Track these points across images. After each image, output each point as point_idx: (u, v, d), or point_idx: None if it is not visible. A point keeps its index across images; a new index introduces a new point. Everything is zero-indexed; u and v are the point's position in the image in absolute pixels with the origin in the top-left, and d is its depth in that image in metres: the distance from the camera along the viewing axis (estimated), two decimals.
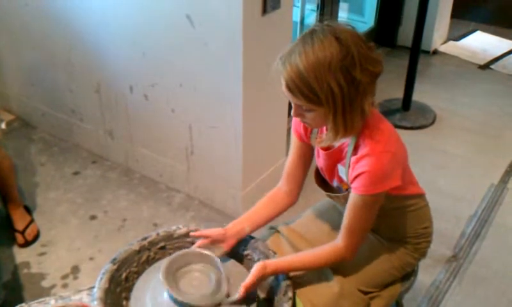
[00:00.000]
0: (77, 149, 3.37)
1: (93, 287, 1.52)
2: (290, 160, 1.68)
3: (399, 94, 3.86)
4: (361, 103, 1.34)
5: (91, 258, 2.55)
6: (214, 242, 1.60)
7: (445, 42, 5.06)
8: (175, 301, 1.43)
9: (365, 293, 1.61)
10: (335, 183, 1.59)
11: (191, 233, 1.63)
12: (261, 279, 1.46)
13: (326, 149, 1.54)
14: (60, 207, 2.89)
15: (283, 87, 1.35)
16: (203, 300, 1.42)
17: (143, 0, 2.59)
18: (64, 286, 2.40)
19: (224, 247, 1.61)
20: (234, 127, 2.57)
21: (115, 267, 1.57)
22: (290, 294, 1.46)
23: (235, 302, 1.45)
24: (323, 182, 1.66)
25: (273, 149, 2.88)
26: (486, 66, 4.63)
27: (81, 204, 2.91)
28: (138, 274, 1.61)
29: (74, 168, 3.20)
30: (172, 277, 1.49)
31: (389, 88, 3.97)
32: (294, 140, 1.65)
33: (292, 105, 1.40)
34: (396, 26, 4.86)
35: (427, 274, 2.43)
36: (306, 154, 1.65)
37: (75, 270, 2.49)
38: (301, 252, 1.58)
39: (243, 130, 2.57)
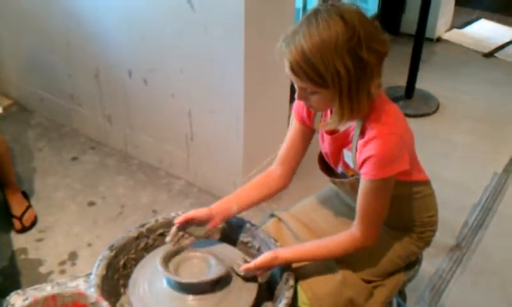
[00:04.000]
0: (75, 134, 3.33)
1: (90, 274, 1.49)
2: (287, 143, 1.63)
3: (402, 81, 3.81)
4: (367, 85, 1.30)
5: (89, 245, 2.51)
6: (200, 223, 1.54)
7: (449, 30, 5.01)
8: (174, 287, 1.39)
9: (368, 282, 1.57)
10: (339, 169, 1.55)
11: (175, 221, 1.53)
12: (268, 267, 1.42)
13: (331, 133, 1.49)
14: (58, 193, 2.85)
15: (287, 70, 1.31)
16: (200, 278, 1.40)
17: None
18: (62, 272, 2.37)
19: (208, 226, 1.55)
20: (235, 113, 2.53)
21: (113, 253, 1.53)
22: (291, 282, 1.42)
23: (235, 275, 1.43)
24: (327, 168, 1.62)
25: (274, 135, 2.82)
26: (490, 55, 4.58)
27: (79, 190, 2.87)
28: (136, 261, 1.58)
29: (72, 154, 3.16)
30: (170, 264, 1.46)
31: (392, 76, 3.92)
32: (294, 123, 1.60)
33: (296, 87, 1.36)
34: (399, 13, 4.81)
35: (430, 263, 2.40)
36: (306, 138, 1.60)
37: (73, 256, 2.45)
38: (313, 241, 1.53)
39: (244, 116, 2.52)
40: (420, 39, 3.66)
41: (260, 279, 1.50)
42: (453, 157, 3.23)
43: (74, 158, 3.12)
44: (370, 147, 1.34)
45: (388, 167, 1.35)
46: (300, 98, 1.37)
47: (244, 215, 1.65)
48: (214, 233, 1.65)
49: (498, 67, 4.41)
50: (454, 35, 4.93)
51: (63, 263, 2.42)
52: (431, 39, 4.69)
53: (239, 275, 1.45)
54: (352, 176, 1.48)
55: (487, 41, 4.82)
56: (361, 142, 1.38)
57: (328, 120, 1.44)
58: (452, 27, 5.06)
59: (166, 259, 1.46)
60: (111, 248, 1.54)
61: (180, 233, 1.53)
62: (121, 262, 1.56)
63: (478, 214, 2.76)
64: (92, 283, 1.43)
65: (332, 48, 1.23)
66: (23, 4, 3.12)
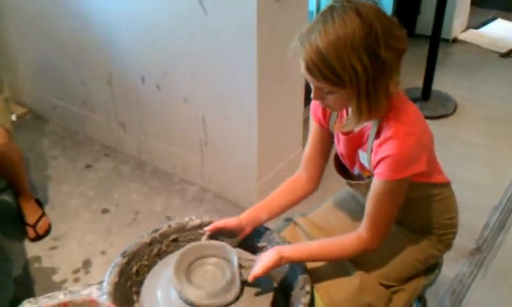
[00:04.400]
0: (89, 141, 3.32)
1: (102, 281, 1.46)
2: (309, 146, 1.59)
3: (419, 83, 3.76)
4: (386, 83, 1.25)
5: (103, 252, 2.49)
6: (229, 233, 1.52)
7: (465, 30, 4.94)
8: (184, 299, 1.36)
9: (387, 287, 1.52)
10: (355, 171, 1.51)
11: (205, 229, 1.53)
12: (273, 268, 1.38)
13: (346, 133, 1.45)
14: (72, 201, 2.84)
15: (303, 69, 1.27)
16: (212, 299, 1.34)
17: None
18: (76, 280, 2.35)
19: (240, 236, 1.53)
20: (249, 117, 2.50)
21: (125, 260, 1.50)
22: (307, 288, 1.38)
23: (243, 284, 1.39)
24: (343, 169, 1.58)
25: (289, 140, 2.80)
26: (507, 55, 4.50)
27: (93, 198, 2.85)
28: (149, 267, 1.55)
29: (86, 161, 3.15)
30: (184, 270, 1.42)
31: (408, 77, 3.86)
32: (313, 125, 1.56)
33: (312, 87, 1.32)
34: (415, 14, 4.75)
35: (449, 267, 2.33)
36: (326, 140, 1.56)
37: (87, 264, 2.43)
38: (320, 240, 1.50)
39: (258, 120, 2.49)
40: (436, 40, 3.61)
41: (275, 284, 1.46)
42: (472, 158, 3.17)
43: (88, 166, 3.11)
44: (387, 147, 1.30)
45: (404, 168, 1.31)
46: (316, 98, 1.33)
47: None
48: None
49: None
50: (470, 35, 4.86)
51: (77, 271, 2.40)
52: (446, 40, 4.64)
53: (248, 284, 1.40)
54: (368, 177, 1.44)
55: (504, 41, 4.74)
56: (376, 142, 1.33)
57: (344, 121, 1.40)
58: (468, 27, 4.99)
59: (181, 266, 1.42)
60: (123, 254, 1.51)
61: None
62: (134, 269, 1.53)
63: (499, 216, 2.70)
64: (104, 291, 1.40)
65: (348, 46, 1.19)
66: (35, 10, 3.13)
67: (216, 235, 1.51)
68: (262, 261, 1.37)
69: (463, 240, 2.48)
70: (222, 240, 1.52)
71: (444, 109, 3.66)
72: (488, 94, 3.90)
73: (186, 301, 1.35)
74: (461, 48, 4.69)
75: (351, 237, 1.42)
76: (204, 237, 1.52)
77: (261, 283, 1.40)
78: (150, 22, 2.62)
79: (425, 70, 3.70)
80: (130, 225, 2.65)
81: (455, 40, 4.78)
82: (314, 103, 1.51)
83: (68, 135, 3.39)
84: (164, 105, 2.81)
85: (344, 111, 1.43)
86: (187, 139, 2.83)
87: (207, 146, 2.75)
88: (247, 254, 1.53)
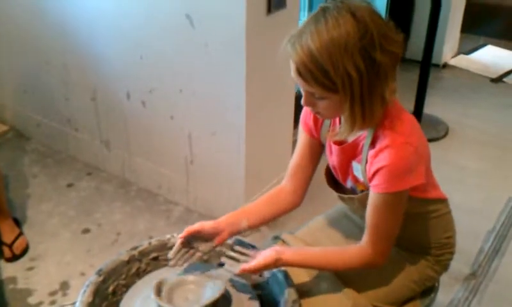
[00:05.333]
0: (72, 160, 3.22)
1: (76, 302, 1.35)
2: (296, 157, 1.51)
3: (410, 107, 3.70)
4: (381, 89, 1.18)
5: (82, 274, 2.37)
6: (205, 237, 1.41)
7: (455, 56, 4.93)
8: None
9: None
10: (348, 184, 1.42)
11: (179, 236, 1.41)
12: (268, 269, 1.30)
13: (339, 144, 1.37)
14: (52, 220, 2.73)
15: (293, 73, 1.19)
16: None
17: None
18: (52, 303, 2.23)
19: (216, 241, 1.41)
20: (237, 134, 2.42)
21: (101, 278, 1.40)
22: None
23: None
24: (335, 183, 1.49)
25: (278, 158, 2.71)
26: (498, 80, 4.48)
27: (74, 217, 2.74)
28: (127, 287, 1.45)
29: (68, 180, 3.04)
30: (165, 291, 1.32)
31: (399, 101, 3.81)
32: (302, 134, 1.48)
33: (302, 92, 1.24)
34: (405, 39, 4.72)
35: (444, 293, 2.23)
36: (315, 151, 1.48)
37: (65, 286, 2.32)
38: (323, 247, 1.40)
39: (246, 138, 2.41)
40: (427, 65, 3.58)
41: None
42: (464, 182, 3.10)
43: (70, 185, 3.00)
44: (382, 157, 1.21)
45: (402, 179, 1.22)
46: (307, 104, 1.25)
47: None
48: (213, 257, 1.51)
49: (507, 92, 4.31)
50: (461, 61, 4.85)
51: (53, 293, 2.28)
52: (437, 65, 4.61)
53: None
54: (362, 191, 1.35)
55: (494, 66, 4.73)
56: (372, 152, 1.25)
57: (337, 129, 1.32)
58: (458, 53, 4.99)
59: (160, 285, 1.33)
60: (99, 272, 1.41)
61: (184, 250, 1.40)
62: (111, 288, 1.43)
63: (493, 241, 2.62)
64: None
65: (342, 48, 1.11)
66: (18, 24, 3.05)
67: (191, 240, 1.40)
68: (257, 258, 1.27)
69: (458, 264, 2.38)
70: (197, 246, 1.41)
71: (435, 132, 3.61)
72: (480, 118, 3.86)
73: None
74: (452, 73, 4.67)
75: (355, 249, 1.34)
76: (177, 244, 1.40)
77: (247, 302, 1.31)
78: (137, 37, 2.55)
79: (416, 94, 3.66)
80: (111, 246, 2.54)
81: (445, 65, 4.77)
82: (305, 112, 1.43)
83: (50, 153, 3.28)
84: (150, 123, 2.73)
85: (337, 119, 1.36)
86: (173, 157, 2.74)
87: (193, 164, 2.66)
88: (245, 249, 1.42)
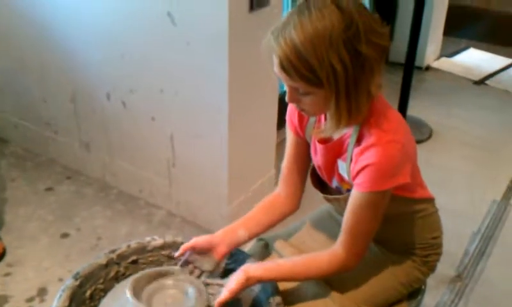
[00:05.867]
0: (51, 164, 3.14)
1: None
2: (286, 160, 1.47)
3: None
4: (367, 83, 1.14)
5: (60, 279, 2.31)
6: (201, 253, 1.36)
7: (438, 59, 4.94)
8: None
9: None
10: (334, 183, 1.38)
11: (176, 255, 1.38)
12: (241, 291, 1.24)
13: (324, 142, 1.33)
14: (30, 224, 2.65)
15: (276, 67, 1.15)
16: None
17: None
18: None
19: (216, 257, 1.36)
20: (219, 136, 2.37)
21: (77, 283, 1.35)
22: None
23: None
24: (320, 183, 1.45)
25: (262, 160, 2.68)
26: (481, 82, 4.50)
27: (53, 222, 2.67)
28: (105, 291, 1.39)
29: (47, 184, 2.97)
30: (143, 295, 1.27)
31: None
32: (290, 135, 1.44)
33: (286, 88, 1.20)
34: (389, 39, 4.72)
35: (430, 296, 2.21)
36: (303, 151, 1.43)
37: (42, 292, 2.25)
38: (292, 258, 1.36)
39: (229, 139, 2.36)
40: (410, 67, 3.57)
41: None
42: (449, 184, 3.09)
43: (49, 189, 2.93)
44: (368, 155, 1.18)
45: (387, 179, 1.19)
46: (291, 100, 1.21)
47: None
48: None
49: (490, 94, 4.33)
50: (444, 63, 4.86)
51: (31, 299, 2.21)
52: (420, 68, 4.62)
53: None
54: (348, 190, 1.31)
55: (477, 69, 4.75)
56: (357, 150, 1.21)
57: (322, 126, 1.28)
58: (440, 55, 5.00)
59: (138, 289, 1.27)
60: (75, 276, 1.36)
61: (186, 269, 1.36)
62: (88, 293, 1.38)
63: (478, 243, 2.60)
64: None
65: (327, 41, 1.08)
66: None
67: (191, 259, 1.36)
68: (228, 285, 1.23)
69: (443, 267, 2.34)
70: (199, 266, 1.37)
71: (419, 134, 3.60)
72: (463, 120, 3.86)
73: None
74: (435, 75, 4.68)
75: (326, 255, 1.29)
76: (178, 266, 1.36)
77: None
78: (117, 35, 2.49)
79: (400, 96, 3.64)
80: (91, 251, 2.47)
81: (428, 68, 4.78)
82: (290, 110, 1.39)
83: (29, 157, 3.21)
84: (131, 124, 2.67)
85: (322, 117, 1.32)
86: (155, 159, 2.68)
87: (175, 167, 2.61)
88: (216, 279, 1.38)
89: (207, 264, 1.37)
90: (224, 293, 1.22)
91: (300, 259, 1.33)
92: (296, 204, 1.49)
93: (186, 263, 1.36)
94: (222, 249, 1.36)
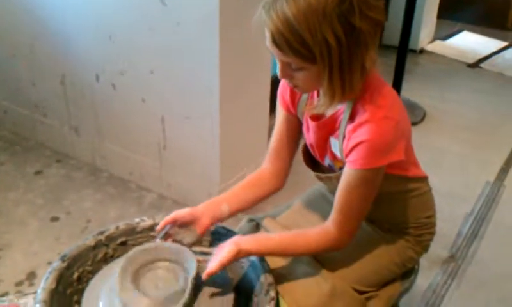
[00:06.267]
0: (40, 147, 3.10)
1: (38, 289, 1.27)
2: (275, 136, 1.43)
3: None
4: (361, 58, 1.11)
5: (49, 263, 2.27)
6: (183, 226, 1.33)
7: (431, 42, 4.93)
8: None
9: (361, 292, 1.37)
10: (326, 161, 1.36)
11: (157, 228, 1.34)
12: (231, 262, 1.22)
13: (316, 119, 1.30)
14: (19, 208, 2.62)
15: (268, 42, 1.11)
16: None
17: None
18: (18, 293, 2.12)
19: (198, 230, 1.33)
20: (210, 117, 2.34)
21: (65, 264, 1.32)
22: (272, 294, 1.22)
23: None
24: (312, 162, 1.43)
25: (254, 143, 2.64)
26: (475, 65, 4.49)
27: (42, 206, 2.64)
28: (93, 273, 1.36)
29: (36, 167, 2.93)
30: (131, 277, 1.24)
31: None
32: (280, 111, 1.40)
33: (278, 63, 1.16)
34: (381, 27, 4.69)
35: (423, 276, 2.19)
36: (294, 129, 1.41)
37: (31, 276, 2.22)
38: (284, 232, 1.34)
39: (220, 122, 2.33)
40: (404, 50, 3.56)
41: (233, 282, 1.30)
42: (442, 166, 3.08)
43: (38, 172, 2.90)
44: (361, 132, 1.15)
45: (381, 155, 1.16)
46: (283, 76, 1.18)
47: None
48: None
49: (484, 77, 4.33)
50: (438, 46, 4.85)
51: (20, 283, 2.18)
52: (414, 51, 4.60)
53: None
54: (340, 168, 1.29)
55: (471, 52, 4.75)
56: (350, 127, 1.18)
57: (315, 102, 1.25)
58: (434, 39, 4.98)
59: (127, 272, 1.24)
60: (62, 258, 1.33)
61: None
62: (76, 275, 1.34)
63: (472, 224, 2.60)
64: (38, 298, 1.21)
65: (320, 14, 1.04)
66: None
67: (171, 233, 1.33)
68: (219, 256, 1.20)
69: (436, 248, 2.34)
70: (180, 239, 1.34)
71: (413, 116, 3.58)
72: (457, 103, 3.85)
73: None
74: (429, 58, 4.66)
75: (317, 231, 1.27)
76: (157, 240, 1.32)
77: (219, 283, 1.23)
78: (107, 16, 2.45)
79: (394, 79, 3.63)
80: (80, 234, 2.45)
81: (422, 51, 4.76)
82: (282, 86, 1.36)
83: (18, 140, 3.16)
84: (121, 106, 2.63)
85: (315, 93, 1.29)
86: (145, 142, 2.65)
87: (166, 149, 2.58)
88: (202, 247, 1.35)
89: (188, 237, 1.34)
90: (213, 264, 1.19)
91: (291, 234, 1.31)
92: (282, 181, 1.46)
93: (166, 236, 1.33)
94: (205, 222, 1.33)
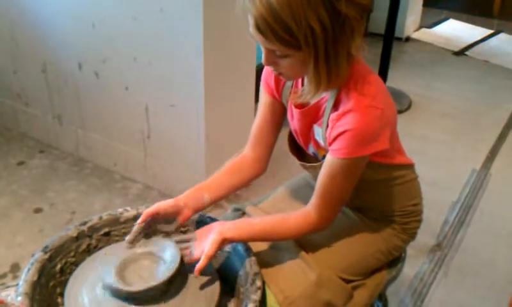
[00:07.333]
0: (23, 138, 3.06)
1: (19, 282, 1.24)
2: (257, 121, 1.41)
3: None
4: (347, 44, 1.09)
5: (33, 255, 2.23)
6: (166, 218, 1.31)
7: (417, 29, 4.92)
8: (113, 292, 1.16)
9: (347, 281, 1.35)
10: (310, 149, 1.34)
11: (138, 221, 1.30)
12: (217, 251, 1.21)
13: (300, 107, 1.28)
14: (2, 200, 2.58)
15: (252, 28, 1.08)
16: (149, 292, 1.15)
17: None
18: (1, 285, 2.09)
19: (180, 220, 1.31)
20: (195, 105, 2.31)
21: (47, 256, 1.30)
22: (258, 283, 1.20)
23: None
24: (297, 150, 1.41)
25: (239, 132, 2.60)
26: (461, 53, 4.49)
27: (26, 197, 2.60)
28: (76, 265, 1.33)
29: (19, 158, 2.89)
30: (116, 268, 1.21)
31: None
32: (264, 96, 1.38)
33: (263, 50, 1.14)
34: (368, 13, 4.67)
35: (410, 265, 2.20)
36: (278, 114, 1.39)
37: (15, 268, 2.19)
38: (264, 217, 1.33)
39: (205, 110, 2.30)
40: (390, 38, 3.54)
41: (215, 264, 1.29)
42: (428, 154, 3.08)
43: (21, 163, 2.85)
44: (345, 121, 1.13)
45: (364, 145, 1.14)
46: (268, 63, 1.15)
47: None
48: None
49: (469, 65, 4.33)
50: (424, 34, 4.84)
51: (3, 276, 2.15)
52: (400, 39, 4.59)
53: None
54: (324, 157, 1.27)
55: (457, 40, 4.74)
56: (334, 115, 1.16)
57: (299, 90, 1.23)
58: (420, 26, 4.98)
59: (110, 262, 1.22)
60: (44, 249, 1.30)
61: (144, 233, 1.29)
62: (58, 266, 1.32)
63: (458, 211, 2.60)
64: (19, 291, 1.19)
65: (305, 1, 1.02)
66: None
67: (152, 224, 1.30)
68: (205, 250, 1.18)
69: (423, 236, 2.32)
70: (160, 228, 1.31)
71: (399, 105, 3.57)
72: (443, 91, 3.85)
73: (114, 293, 1.15)
74: (415, 46, 4.65)
75: (298, 215, 1.26)
76: (135, 228, 1.28)
77: (203, 272, 1.21)
78: (87, 3, 2.40)
79: (379, 67, 3.61)
80: (65, 225, 2.41)
81: (408, 39, 4.75)
82: (266, 71, 1.34)
83: (0, 131, 3.11)
84: (104, 95, 2.59)
85: (300, 81, 1.26)
86: (129, 131, 2.61)
87: (150, 139, 2.55)
88: (181, 236, 1.33)
89: (166, 227, 1.32)
90: (202, 260, 1.17)
91: (273, 219, 1.29)
92: (263, 167, 1.45)
93: (146, 228, 1.30)
94: (187, 214, 1.32)
